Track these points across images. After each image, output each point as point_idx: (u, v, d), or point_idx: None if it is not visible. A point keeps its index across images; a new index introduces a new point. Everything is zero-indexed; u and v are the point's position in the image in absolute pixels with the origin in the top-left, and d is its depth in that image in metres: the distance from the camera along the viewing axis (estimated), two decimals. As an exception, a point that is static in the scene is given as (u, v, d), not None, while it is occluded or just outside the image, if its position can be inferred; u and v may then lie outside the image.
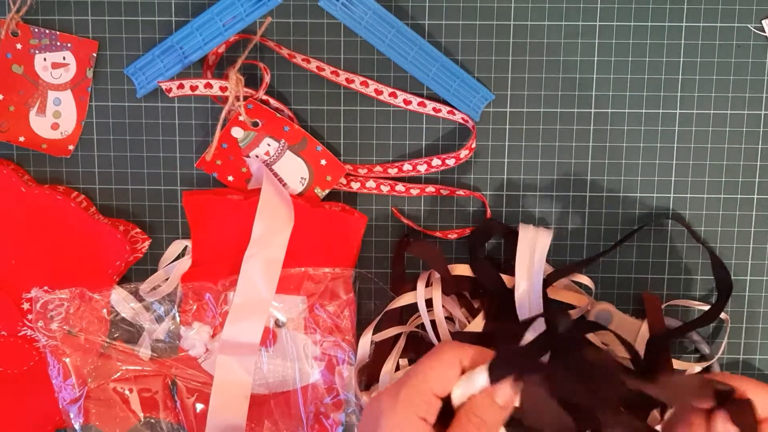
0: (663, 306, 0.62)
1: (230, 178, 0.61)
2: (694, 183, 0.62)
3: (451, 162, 0.60)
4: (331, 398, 0.61)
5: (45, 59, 0.60)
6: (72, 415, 0.61)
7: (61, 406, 0.61)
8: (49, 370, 0.61)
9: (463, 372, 0.45)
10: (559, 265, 0.62)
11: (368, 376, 0.61)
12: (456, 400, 0.45)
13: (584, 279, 0.61)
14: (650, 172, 0.62)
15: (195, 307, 0.61)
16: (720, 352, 0.62)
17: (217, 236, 0.60)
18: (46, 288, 0.60)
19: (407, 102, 0.60)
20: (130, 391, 0.61)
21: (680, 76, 0.60)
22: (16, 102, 0.61)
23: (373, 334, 0.61)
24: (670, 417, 0.51)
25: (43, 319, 0.60)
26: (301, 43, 0.60)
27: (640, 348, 0.60)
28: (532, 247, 0.59)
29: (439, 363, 0.45)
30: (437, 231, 0.62)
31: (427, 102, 0.60)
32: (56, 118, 0.61)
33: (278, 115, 0.60)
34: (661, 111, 0.61)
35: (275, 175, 0.61)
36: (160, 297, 0.61)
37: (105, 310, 0.61)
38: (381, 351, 0.61)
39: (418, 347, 0.61)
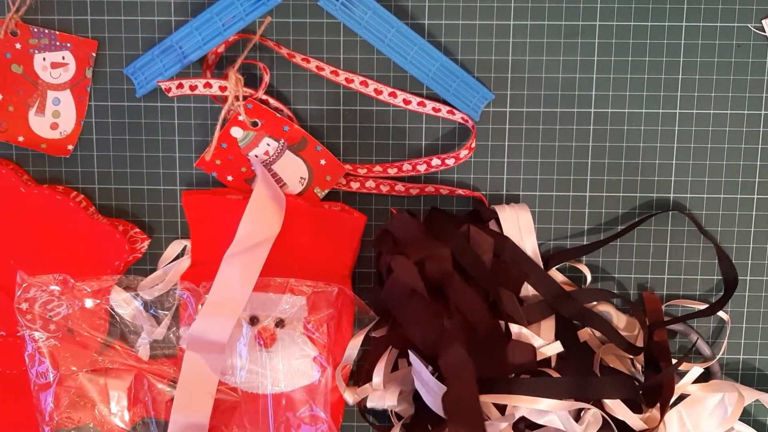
0: (663, 306, 0.62)
1: (229, 178, 0.61)
2: (693, 183, 0.62)
3: (450, 162, 0.60)
4: (305, 410, 0.61)
5: (44, 59, 0.60)
6: (42, 402, 0.61)
7: (33, 391, 0.61)
8: (26, 354, 0.61)
9: None
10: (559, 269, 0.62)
11: (363, 374, 0.61)
12: None
13: (582, 267, 0.62)
14: (650, 172, 0.61)
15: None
16: (720, 352, 0.62)
17: (216, 236, 0.60)
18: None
19: (407, 102, 0.60)
20: (101, 382, 0.61)
21: (680, 76, 0.60)
22: (16, 102, 0.61)
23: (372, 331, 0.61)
24: None
25: (41, 318, 0.60)
26: (301, 42, 0.60)
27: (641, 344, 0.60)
28: (516, 223, 0.59)
29: None
30: (437, 231, 0.62)
31: (426, 102, 0.60)
32: (55, 118, 0.61)
33: (278, 114, 0.59)
34: (661, 111, 0.61)
35: (274, 175, 0.61)
36: (158, 296, 0.61)
37: (104, 310, 0.61)
38: (377, 348, 0.61)
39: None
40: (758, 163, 0.61)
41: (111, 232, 0.60)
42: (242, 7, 0.58)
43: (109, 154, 0.62)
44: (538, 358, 0.58)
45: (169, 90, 0.59)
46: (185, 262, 0.62)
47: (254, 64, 0.60)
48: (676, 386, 0.59)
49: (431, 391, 0.54)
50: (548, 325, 0.60)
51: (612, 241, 0.62)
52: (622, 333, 0.60)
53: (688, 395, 0.61)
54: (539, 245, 0.61)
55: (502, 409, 0.57)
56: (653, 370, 0.59)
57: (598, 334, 0.61)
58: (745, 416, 0.63)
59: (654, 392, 0.58)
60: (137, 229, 0.62)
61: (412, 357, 0.54)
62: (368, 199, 0.62)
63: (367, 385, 0.59)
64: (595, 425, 0.57)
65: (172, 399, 0.61)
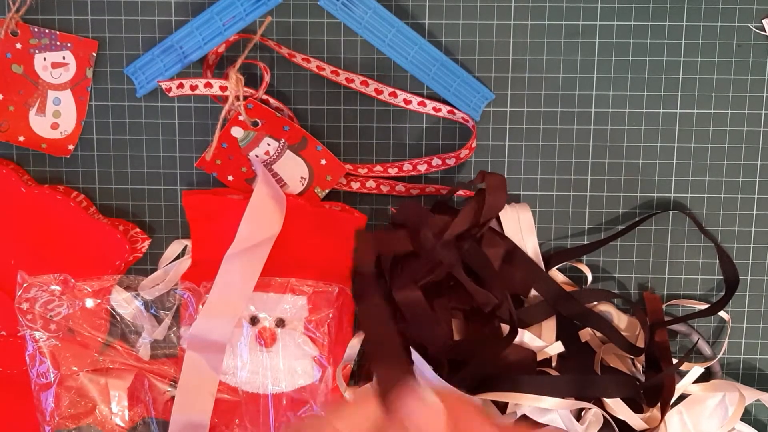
0: (664, 306, 0.62)
1: (230, 178, 0.61)
2: (694, 183, 0.62)
3: (451, 162, 0.60)
4: (306, 410, 0.61)
5: (45, 59, 0.60)
6: (43, 402, 0.61)
7: (33, 391, 0.61)
8: (26, 354, 0.61)
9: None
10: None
11: (364, 374, 0.61)
12: None
13: (583, 267, 0.62)
14: (651, 172, 0.61)
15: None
16: (721, 352, 0.62)
17: (216, 236, 0.60)
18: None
19: (407, 101, 0.60)
20: (102, 382, 0.61)
21: (681, 76, 0.60)
22: (16, 102, 0.61)
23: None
24: None
25: (42, 318, 0.60)
26: (301, 42, 0.60)
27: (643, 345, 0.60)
28: (517, 223, 0.59)
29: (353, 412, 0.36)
30: (437, 231, 0.62)
31: (427, 101, 0.60)
32: (56, 118, 0.61)
33: (278, 114, 0.59)
34: (661, 110, 0.61)
35: (275, 175, 0.61)
36: (159, 296, 0.61)
37: (104, 310, 0.61)
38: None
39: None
40: (759, 162, 0.61)
41: (111, 232, 0.60)
42: (242, 7, 0.58)
43: (109, 154, 0.62)
44: (539, 358, 0.58)
45: (169, 90, 0.59)
46: (186, 261, 0.62)
47: (255, 64, 0.60)
48: (677, 386, 0.59)
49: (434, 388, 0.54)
50: (549, 325, 0.60)
51: (612, 241, 0.62)
52: (623, 333, 0.60)
53: (689, 395, 0.61)
54: (540, 245, 0.61)
55: (502, 407, 0.57)
56: (654, 370, 0.59)
57: (599, 334, 0.61)
58: (746, 416, 0.63)
59: (655, 392, 0.58)
60: (138, 229, 0.62)
61: (415, 355, 0.54)
62: (369, 199, 0.62)
63: (367, 384, 0.59)
64: (596, 425, 0.57)
65: (172, 399, 0.61)
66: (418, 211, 0.59)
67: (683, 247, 0.62)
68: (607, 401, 0.57)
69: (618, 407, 0.57)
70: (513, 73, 0.61)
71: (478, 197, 0.58)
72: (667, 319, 0.61)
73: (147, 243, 0.62)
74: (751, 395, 0.60)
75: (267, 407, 0.61)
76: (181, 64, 0.59)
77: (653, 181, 0.62)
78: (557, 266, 0.62)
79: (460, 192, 0.61)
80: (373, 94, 0.61)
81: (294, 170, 0.61)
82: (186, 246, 0.62)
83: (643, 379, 0.60)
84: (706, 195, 0.62)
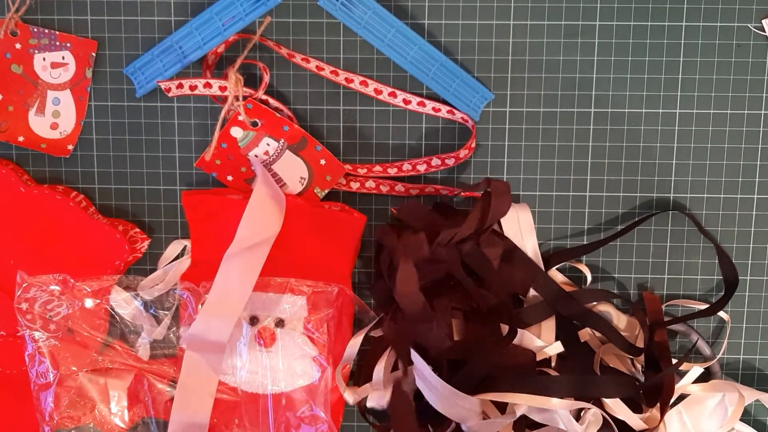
0: (663, 306, 0.62)
1: (229, 178, 0.61)
2: (694, 183, 0.62)
3: (450, 162, 0.60)
4: (305, 410, 0.61)
5: (44, 59, 0.60)
6: (42, 402, 0.61)
7: (33, 391, 0.61)
8: (26, 354, 0.61)
9: None
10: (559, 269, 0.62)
11: (363, 374, 0.61)
12: None
13: (582, 267, 0.62)
14: (650, 172, 0.61)
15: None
16: (721, 352, 0.62)
17: (216, 236, 0.60)
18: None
19: (407, 102, 0.60)
20: (101, 382, 0.61)
21: (680, 76, 0.60)
22: (16, 102, 0.61)
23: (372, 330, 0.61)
24: None
25: (41, 318, 0.60)
26: (301, 42, 0.60)
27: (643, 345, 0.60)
28: (517, 223, 0.59)
29: None
30: (437, 231, 0.62)
31: (426, 102, 0.60)
32: (55, 118, 0.61)
33: (277, 114, 0.59)
34: (661, 111, 0.61)
35: (274, 175, 0.61)
36: (158, 296, 0.61)
37: (104, 310, 0.61)
38: (377, 348, 0.61)
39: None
40: (758, 162, 0.61)
41: (111, 232, 0.60)
42: (242, 7, 0.58)
43: (109, 154, 0.62)
44: (539, 358, 0.58)
45: (168, 90, 0.59)
46: (185, 262, 0.62)
47: (254, 64, 0.60)
48: (677, 386, 0.59)
49: (433, 389, 0.54)
50: (549, 325, 0.60)
51: (612, 241, 0.62)
52: (623, 333, 0.60)
53: (689, 395, 0.61)
54: (539, 245, 0.61)
55: (502, 407, 0.57)
56: (653, 370, 0.59)
57: (598, 334, 0.61)
58: (746, 416, 0.63)
59: (654, 392, 0.58)
60: (137, 229, 0.62)
61: (414, 355, 0.54)
62: (368, 199, 0.62)
63: (367, 384, 0.59)
64: (595, 425, 0.57)
65: (172, 399, 0.61)
66: (421, 212, 0.59)
67: (683, 247, 0.62)
68: (607, 401, 0.57)
69: (617, 407, 0.57)
70: (513, 73, 0.61)
71: (483, 200, 0.58)
72: (666, 319, 0.61)
73: (146, 243, 0.62)
74: (751, 395, 0.60)
75: (266, 407, 0.61)
76: (181, 65, 0.59)
77: (653, 181, 0.62)
78: (557, 266, 0.62)
79: (461, 192, 0.61)
80: (373, 94, 0.61)
81: (293, 170, 0.61)
82: (185, 246, 0.62)
83: (642, 379, 0.60)
84: (705, 195, 0.62)
